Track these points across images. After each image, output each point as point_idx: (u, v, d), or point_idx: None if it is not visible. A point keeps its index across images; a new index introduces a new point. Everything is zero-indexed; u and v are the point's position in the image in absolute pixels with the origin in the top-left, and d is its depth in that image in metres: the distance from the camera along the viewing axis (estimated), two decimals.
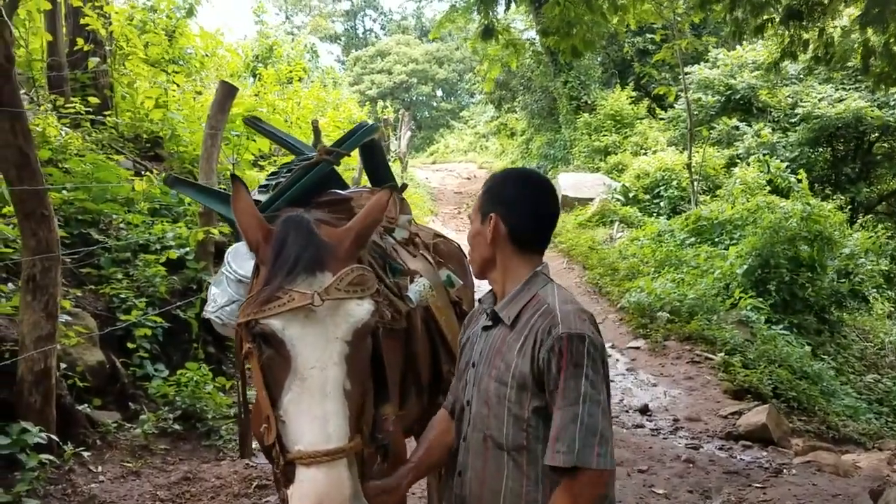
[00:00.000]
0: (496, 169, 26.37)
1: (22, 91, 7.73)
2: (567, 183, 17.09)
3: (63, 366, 4.32)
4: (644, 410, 6.07)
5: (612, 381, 6.64)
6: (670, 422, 5.88)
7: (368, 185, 3.35)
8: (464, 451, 2.01)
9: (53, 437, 3.83)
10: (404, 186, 3.31)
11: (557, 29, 6.16)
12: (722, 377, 6.89)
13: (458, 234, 16.67)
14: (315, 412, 1.65)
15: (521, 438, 1.86)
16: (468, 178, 24.83)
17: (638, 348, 7.89)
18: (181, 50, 10.37)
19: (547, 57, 20.76)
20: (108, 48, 8.93)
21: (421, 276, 2.73)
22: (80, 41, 8.65)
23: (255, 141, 7.71)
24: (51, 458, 3.81)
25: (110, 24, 8.99)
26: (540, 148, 23.67)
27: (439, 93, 42.79)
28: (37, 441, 3.72)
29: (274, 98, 10.74)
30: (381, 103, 28.54)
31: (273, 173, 2.98)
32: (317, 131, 8.05)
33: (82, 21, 8.59)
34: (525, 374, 1.84)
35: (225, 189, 6.61)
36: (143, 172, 7.26)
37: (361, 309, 1.75)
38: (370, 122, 3.07)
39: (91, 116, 7.74)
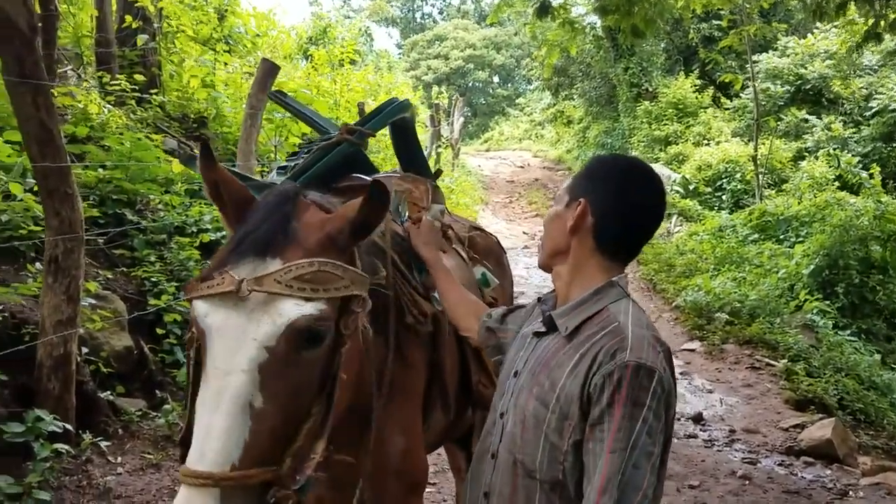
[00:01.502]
0: (551, 158, 26.05)
1: (68, 66, 7.71)
2: None
3: (85, 350, 4.16)
4: (698, 419, 5.66)
5: None
6: (726, 433, 5.47)
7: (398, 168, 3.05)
8: (492, 470, 1.71)
9: (68, 425, 3.66)
10: (438, 173, 3.01)
11: (617, 7, 5.77)
12: (784, 386, 6.42)
13: (509, 224, 16.33)
14: (201, 423, 1.38)
15: (557, 472, 1.54)
16: (521, 167, 24.41)
17: (693, 351, 7.44)
18: (230, 29, 10.22)
19: (608, 42, 20.18)
20: (156, 25, 8.83)
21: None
22: (128, 18, 8.56)
23: (297, 123, 7.51)
24: (66, 447, 3.64)
25: (159, 0, 8.89)
26: (597, 136, 23.11)
27: (496, 79, 42.24)
28: (52, 429, 3.56)
29: (320, 80, 10.53)
30: (435, 89, 28.30)
31: (292, 154, 2.71)
32: (362, 114, 7.78)
33: None
34: (571, 399, 1.53)
35: (262, 170, 6.43)
36: (182, 152, 7.12)
37: (298, 311, 1.43)
38: (400, 98, 2.77)
39: (136, 94, 7.63)
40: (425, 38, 40.62)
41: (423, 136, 13.46)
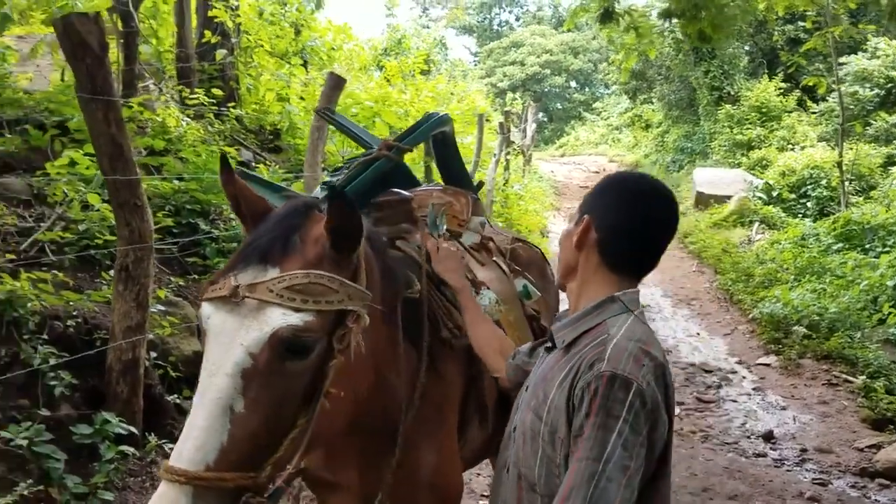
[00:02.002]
0: (628, 162, 25.61)
1: (150, 81, 8.07)
2: (702, 179, 16.16)
3: (154, 355, 4.34)
4: (768, 437, 5.46)
5: (735, 401, 6.16)
6: (797, 452, 5.25)
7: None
8: (503, 482, 1.74)
9: (134, 428, 3.83)
10: (479, 185, 3.02)
11: (683, 11, 5.63)
12: (861, 403, 6.11)
13: None
14: (188, 422, 1.42)
15: (554, 486, 1.53)
16: (596, 172, 24.07)
17: (768, 365, 7.18)
18: (303, 43, 10.48)
19: (687, 45, 19.71)
20: (234, 40, 9.16)
21: (487, 287, 2.43)
22: (207, 33, 8.91)
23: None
24: (132, 449, 3.80)
25: (237, 16, 9.21)
26: (676, 141, 22.60)
27: (573, 83, 41.83)
28: (118, 431, 3.73)
29: (391, 91, 10.67)
30: (510, 95, 28.27)
31: (336, 169, 2.77)
32: None
33: (210, 13, 8.86)
34: (560, 411, 1.52)
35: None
36: (256, 163, 7.35)
37: (283, 320, 1.46)
38: (440, 112, 2.79)
39: (214, 108, 7.93)
40: (502, 45, 40.60)
41: (493, 142, 13.45)
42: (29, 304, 3.93)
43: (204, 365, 1.47)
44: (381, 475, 2.01)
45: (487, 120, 16.44)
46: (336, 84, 6.22)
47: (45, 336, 3.94)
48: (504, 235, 3.11)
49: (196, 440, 1.38)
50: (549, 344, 1.77)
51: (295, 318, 1.47)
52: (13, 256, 4.33)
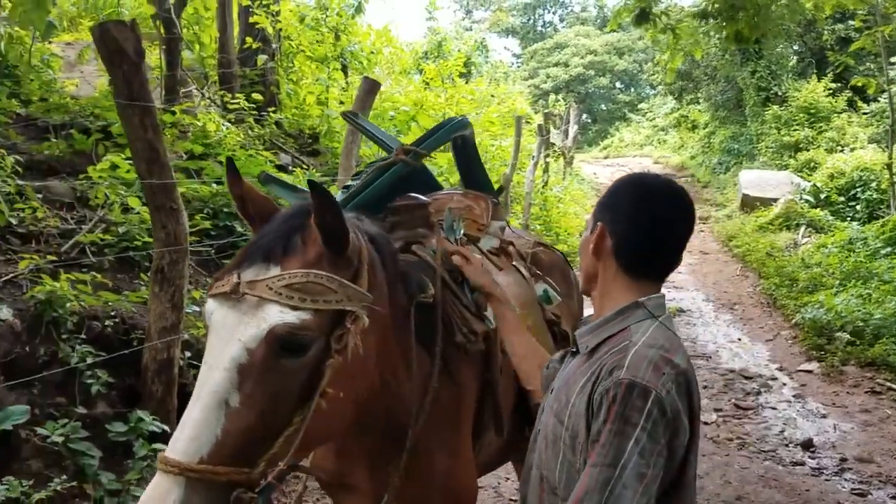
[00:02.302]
0: (673, 164, 25.24)
1: (192, 87, 8.24)
2: (748, 181, 15.85)
3: (189, 354, 4.43)
4: (807, 446, 5.32)
5: (774, 408, 6.02)
6: (836, 461, 5.10)
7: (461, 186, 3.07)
8: (529, 483, 1.75)
9: (166, 427, 3.91)
10: (500, 190, 3.01)
11: (720, 12, 5.54)
12: None
13: None
14: (185, 414, 1.44)
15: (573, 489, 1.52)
16: None
17: (810, 372, 6.99)
18: (342, 48, 10.59)
19: (747, 46, 19.38)
20: (274, 46, 9.30)
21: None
22: (248, 39, 9.07)
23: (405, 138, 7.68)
24: (165, 447, 3.88)
25: (278, 21, 9.35)
26: (723, 142, 22.19)
27: (618, 84, 41.39)
28: (152, 429, 3.81)
29: (428, 94, 10.71)
30: (552, 97, 28.10)
31: (357, 174, 2.80)
32: None
33: (252, 19, 9.01)
34: (580, 417, 1.52)
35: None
36: (294, 167, 7.45)
37: (280, 317, 1.48)
38: (458, 116, 2.80)
39: (254, 112, 8.07)
40: (545, 47, 40.36)
41: (532, 144, 13.39)
42: (68, 305, 4.05)
43: (204, 359, 1.50)
44: (389, 476, 2.03)
45: (527, 122, 16.39)
46: (371, 88, 6.28)
47: (83, 336, 4.07)
48: (526, 239, 3.11)
49: (191, 432, 1.41)
50: (573, 349, 1.77)
51: (291, 316, 1.49)
52: (54, 258, 4.47)
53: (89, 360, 3.95)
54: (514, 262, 2.79)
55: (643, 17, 6.31)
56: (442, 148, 3.05)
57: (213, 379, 1.45)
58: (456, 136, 2.78)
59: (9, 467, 3.39)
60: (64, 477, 3.41)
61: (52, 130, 6.20)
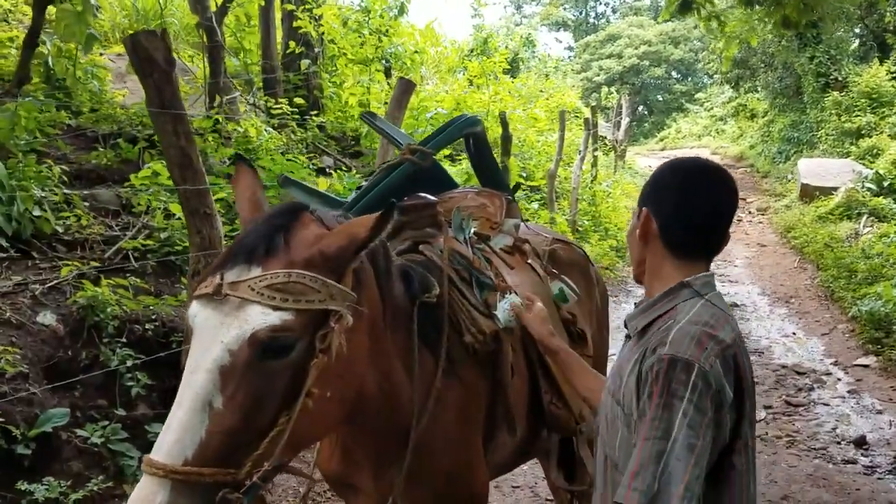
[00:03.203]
0: (731, 154, 24.63)
1: (237, 93, 8.40)
2: (807, 169, 15.34)
3: None
4: (860, 443, 5.11)
5: (826, 405, 5.81)
6: (890, 459, 4.88)
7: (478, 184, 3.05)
8: (596, 463, 1.80)
9: None
10: (516, 187, 2.98)
11: None
12: None
13: None
14: (170, 416, 1.44)
15: None
16: None
17: (866, 366, 6.72)
18: (383, 50, 10.64)
19: (793, 32, 18.77)
20: (317, 50, 9.40)
21: (513, 292, 2.39)
22: (292, 44, 9.19)
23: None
24: None
25: (321, 25, 9.46)
26: (782, 131, 21.52)
27: (674, 74, 40.56)
28: None
29: (470, 91, 10.67)
30: (605, 89, 27.73)
31: (371, 174, 2.80)
32: (504, 124, 7.82)
33: (295, 24, 9.14)
34: (631, 394, 1.57)
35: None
36: (333, 170, 7.53)
37: (262, 318, 1.47)
38: (468, 114, 2.77)
39: (296, 117, 8.17)
40: (598, 39, 39.84)
41: (579, 139, 13.22)
42: (109, 309, 4.18)
43: (188, 361, 1.49)
44: (391, 476, 2.03)
45: (576, 116, 16.21)
46: (406, 88, 6.29)
47: (123, 339, 4.19)
48: (543, 236, 3.06)
49: (175, 434, 1.41)
50: (629, 333, 1.79)
51: (273, 317, 1.48)
52: (97, 264, 4.61)
53: (129, 363, 4.07)
54: (528, 261, 2.75)
55: (686, 5, 6.15)
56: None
57: (196, 381, 1.44)
58: (467, 133, 2.75)
59: (50, 468, 3.51)
60: (101, 477, 3.51)
61: (101, 140, 6.39)
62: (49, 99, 5.93)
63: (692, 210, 1.65)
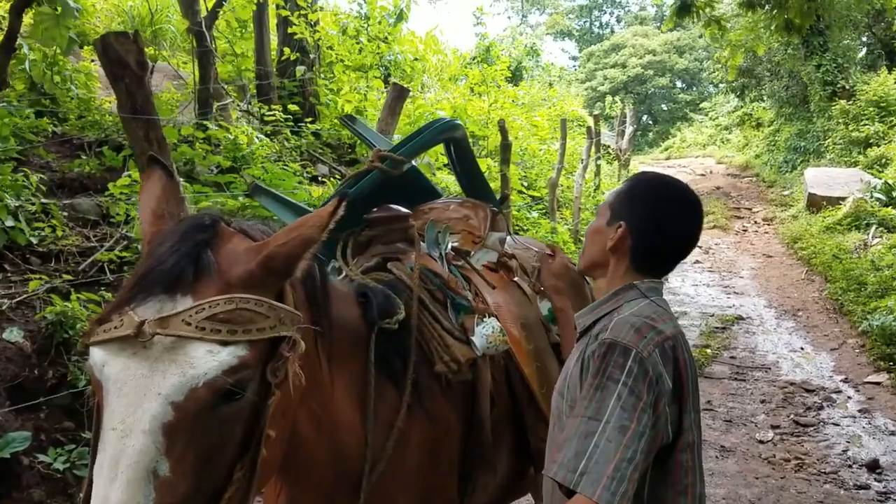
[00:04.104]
0: (737, 164, 24.38)
1: (229, 100, 8.21)
2: (814, 179, 15.08)
3: None
4: (873, 467, 4.85)
5: (837, 425, 5.56)
6: None
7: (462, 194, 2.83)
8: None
9: None
10: (504, 198, 2.76)
11: (767, 0, 5.14)
12: None
13: None
14: (97, 496, 1.16)
15: None
16: (702, 175, 23.05)
17: (878, 384, 6.45)
18: (381, 56, 10.46)
19: (796, 38, 18.54)
20: (312, 56, 9.23)
21: (492, 315, 2.17)
22: (286, 50, 9.02)
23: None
24: None
25: (317, 32, 9.29)
26: (788, 140, 21.28)
27: (679, 83, 40.34)
28: None
29: (470, 99, 10.49)
30: (609, 98, 27.54)
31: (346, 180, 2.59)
32: (503, 132, 7.61)
33: (290, 30, 8.96)
34: (575, 384, 1.65)
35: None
36: (328, 178, 7.33)
37: (211, 360, 1.21)
38: (447, 117, 2.56)
39: (290, 124, 7.99)
40: (602, 48, 39.69)
41: (581, 147, 13.02)
42: (78, 326, 3.96)
43: (105, 425, 1.21)
44: None
45: (580, 125, 16.01)
46: (399, 94, 6.11)
47: None
48: (533, 251, 2.83)
49: None
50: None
51: (225, 355, 1.23)
52: (70, 277, 4.40)
53: None
54: (515, 278, 2.53)
55: (685, 9, 5.95)
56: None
57: (131, 448, 1.17)
58: (444, 139, 2.54)
59: (9, 496, 3.29)
60: None
61: (87, 148, 6.21)
62: (32, 105, 5.75)
63: (669, 242, 1.76)
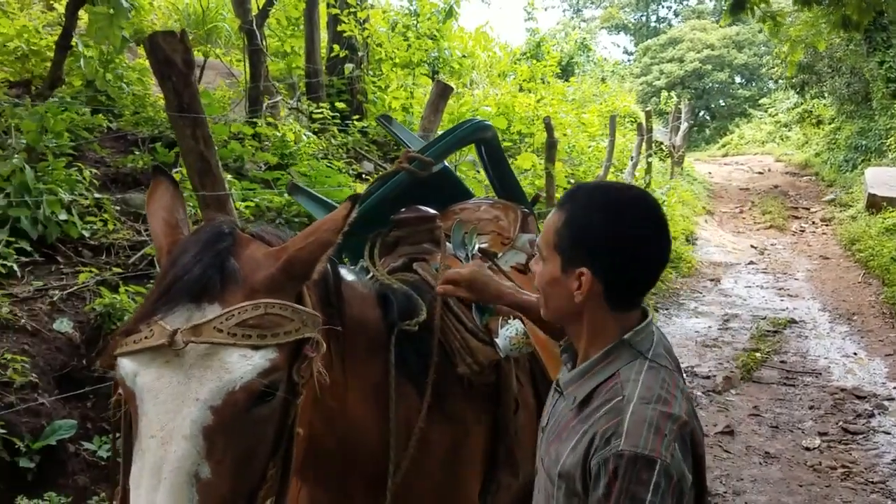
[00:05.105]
0: (796, 162, 23.75)
1: (278, 98, 8.34)
2: (875, 178, 14.62)
3: None
4: None
5: (888, 433, 5.39)
6: None
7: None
8: None
9: None
10: (535, 199, 2.74)
11: None
12: None
13: (736, 236, 15.06)
14: (140, 501, 1.20)
15: None
16: (760, 173, 22.51)
17: None
18: (426, 54, 10.49)
19: (859, 34, 17.94)
20: (361, 53, 9.31)
21: (517, 317, 2.17)
22: (335, 48, 9.11)
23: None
24: None
25: (365, 29, 9.36)
26: (849, 138, 20.65)
27: (737, 79, 39.40)
28: None
29: (519, 95, 10.43)
30: (665, 94, 27.09)
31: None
32: (549, 129, 7.56)
33: (339, 28, 9.06)
34: (573, 478, 1.42)
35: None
36: (373, 175, 7.40)
37: (246, 363, 1.26)
38: (477, 118, 2.57)
39: (337, 122, 8.08)
40: (659, 42, 39.00)
41: (633, 144, 12.83)
42: (125, 317, 4.09)
43: (143, 433, 1.25)
44: None
45: (632, 121, 15.79)
46: (442, 92, 6.12)
47: None
48: None
49: None
50: (558, 388, 1.63)
51: (257, 358, 1.28)
52: (120, 270, 4.54)
53: None
54: None
55: (739, 5, 5.81)
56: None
57: (172, 453, 1.21)
58: (474, 140, 2.54)
59: (54, 482, 3.42)
60: (104, 494, 3.41)
61: (140, 143, 6.39)
62: (86, 103, 5.94)
63: (642, 266, 1.50)
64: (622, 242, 1.46)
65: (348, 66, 9.05)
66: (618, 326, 1.51)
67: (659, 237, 1.51)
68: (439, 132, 6.30)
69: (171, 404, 1.24)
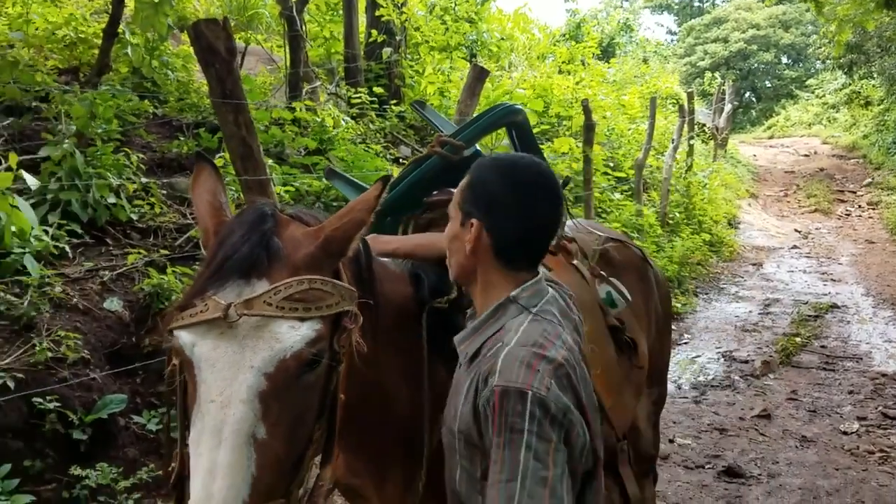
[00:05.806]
0: (843, 144, 23.18)
1: (317, 83, 8.46)
2: None
3: None
4: None
5: None
6: None
7: None
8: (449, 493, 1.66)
9: None
10: (566, 181, 2.78)
11: None
12: None
13: (780, 220, 14.83)
14: (202, 462, 1.30)
15: (476, 501, 1.51)
16: (806, 156, 22.05)
17: None
18: (463, 36, 10.49)
19: None
20: (398, 38, 9.36)
21: None
22: (374, 33, 9.18)
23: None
24: None
25: (403, 13, 9.41)
26: None
27: (784, 59, 38.48)
28: None
29: (557, 78, 10.38)
30: (709, 74, 26.62)
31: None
32: (587, 112, 7.54)
33: (377, 13, 9.12)
34: (469, 425, 1.49)
35: None
36: (407, 160, 7.47)
37: (294, 334, 1.36)
38: (507, 102, 2.61)
39: (375, 107, 8.16)
40: (703, 22, 38.26)
41: (674, 126, 12.68)
42: (173, 297, 4.24)
43: (202, 398, 1.34)
44: (403, 491, 1.92)
45: (674, 102, 15.59)
46: (478, 75, 6.16)
47: None
48: (596, 234, 2.86)
49: (225, 479, 1.29)
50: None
51: (305, 329, 1.38)
52: (167, 251, 4.70)
53: None
54: (574, 262, 2.57)
55: None
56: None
57: (232, 416, 1.31)
58: (505, 123, 2.59)
59: (106, 454, 3.59)
60: (153, 465, 3.57)
61: (185, 129, 6.56)
62: (132, 89, 6.11)
63: (531, 229, 1.59)
64: (510, 199, 1.57)
65: (386, 51, 9.12)
66: (508, 285, 1.59)
67: (547, 202, 1.60)
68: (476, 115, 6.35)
69: (228, 372, 1.34)
